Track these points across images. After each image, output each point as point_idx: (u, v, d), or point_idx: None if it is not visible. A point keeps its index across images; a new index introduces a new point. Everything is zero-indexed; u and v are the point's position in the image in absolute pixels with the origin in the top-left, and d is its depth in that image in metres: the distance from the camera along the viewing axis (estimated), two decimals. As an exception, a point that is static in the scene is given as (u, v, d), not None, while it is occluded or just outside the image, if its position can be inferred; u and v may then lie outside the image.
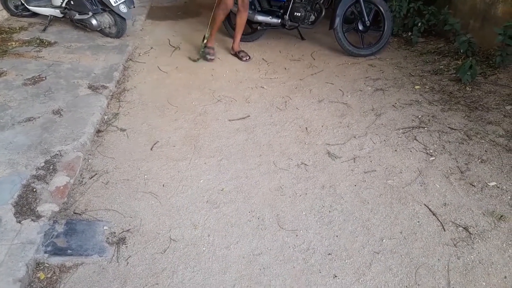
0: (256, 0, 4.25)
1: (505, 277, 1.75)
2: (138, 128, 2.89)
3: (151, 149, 2.67)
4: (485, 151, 2.55)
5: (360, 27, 4.04)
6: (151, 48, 4.34)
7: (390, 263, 1.84)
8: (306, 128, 2.92)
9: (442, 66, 3.78)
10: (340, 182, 2.37)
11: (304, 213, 2.15)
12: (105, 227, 2.00)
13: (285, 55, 4.24)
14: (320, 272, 1.81)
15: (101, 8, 4.15)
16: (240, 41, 4.55)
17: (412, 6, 4.31)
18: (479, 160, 2.47)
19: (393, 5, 4.32)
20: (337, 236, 2.00)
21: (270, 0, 4.28)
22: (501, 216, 2.06)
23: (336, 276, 1.79)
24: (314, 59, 4.11)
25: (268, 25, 4.29)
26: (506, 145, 2.58)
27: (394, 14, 4.34)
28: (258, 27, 4.39)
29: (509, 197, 2.18)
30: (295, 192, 2.30)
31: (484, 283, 1.73)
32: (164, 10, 5.78)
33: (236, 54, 4.20)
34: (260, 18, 4.18)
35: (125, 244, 1.92)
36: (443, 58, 3.95)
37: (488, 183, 2.29)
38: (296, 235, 2.01)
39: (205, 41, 4.09)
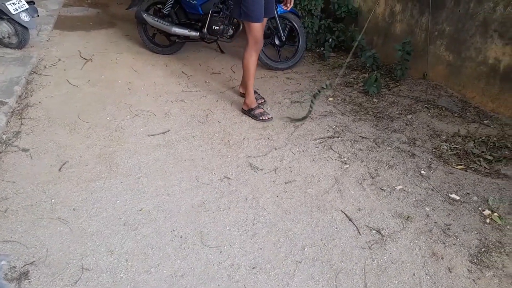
0: (173, 12, 4.18)
1: (414, 274, 1.89)
2: (44, 148, 2.63)
3: (60, 170, 2.44)
4: (392, 157, 2.78)
5: (277, 42, 4.18)
6: (59, 60, 4.02)
7: (312, 271, 1.89)
8: (228, 141, 2.91)
9: (352, 79, 4.07)
10: (262, 194, 2.39)
11: (228, 228, 2.12)
12: (3, 262, 1.76)
13: (205, 68, 4.22)
14: (245, 288, 1.79)
15: (-3, 16, 3.75)
16: (158, 53, 4.44)
17: (323, 23, 4.60)
18: (387, 166, 2.68)
19: (305, 21, 4.56)
20: (261, 248, 2.00)
21: (188, 13, 4.24)
22: (408, 217, 2.24)
23: (261, 290, 1.78)
24: (234, 72, 4.15)
25: (186, 37, 4.24)
26: (409, 151, 2.84)
27: (307, 30, 4.58)
28: (176, 40, 4.32)
29: (414, 198, 2.39)
30: (219, 207, 2.27)
31: (396, 282, 1.86)
32: (74, 20, 5.40)
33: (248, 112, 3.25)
34: (177, 30, 4.11)
35: (28, 279, 1.71)
36: (353, 71, 4.25)
37: (396, 187, 2.48)
38: (220, 252, 1.97)
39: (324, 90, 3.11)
